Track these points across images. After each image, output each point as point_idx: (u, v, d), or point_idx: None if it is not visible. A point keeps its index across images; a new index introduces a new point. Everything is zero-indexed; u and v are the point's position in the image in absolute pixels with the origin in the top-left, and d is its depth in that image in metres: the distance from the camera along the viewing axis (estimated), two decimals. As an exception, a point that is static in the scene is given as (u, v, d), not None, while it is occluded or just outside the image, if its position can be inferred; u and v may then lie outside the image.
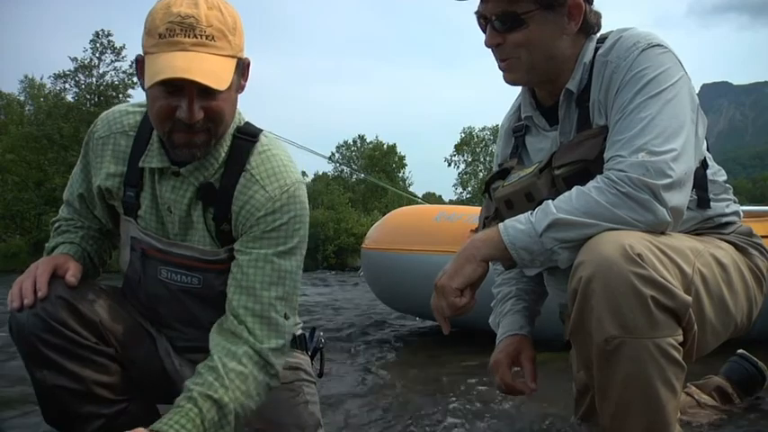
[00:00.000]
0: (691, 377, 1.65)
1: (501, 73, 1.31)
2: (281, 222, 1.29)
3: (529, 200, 1.20)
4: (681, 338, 1.05)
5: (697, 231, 1.26)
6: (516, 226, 1.12)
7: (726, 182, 1.33)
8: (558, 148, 1.24)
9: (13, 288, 1.26)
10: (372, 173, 36.78)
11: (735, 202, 1.34)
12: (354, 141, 44.78)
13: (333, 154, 43.05)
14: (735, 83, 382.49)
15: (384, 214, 4.30)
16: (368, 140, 44.46)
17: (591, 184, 1.11)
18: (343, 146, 44.82)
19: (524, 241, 1.10)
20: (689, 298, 1.05)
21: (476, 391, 2.22)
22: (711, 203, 1.27)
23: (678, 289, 1.04)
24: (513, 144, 1.43)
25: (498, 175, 1.36)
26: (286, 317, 1.30)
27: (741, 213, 1.35)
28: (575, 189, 1.12)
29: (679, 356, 1.05)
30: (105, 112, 1.44)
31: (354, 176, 40.75)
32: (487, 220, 1.30)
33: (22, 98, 30.46)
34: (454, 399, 2.09)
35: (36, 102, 29.15)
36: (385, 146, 43.44)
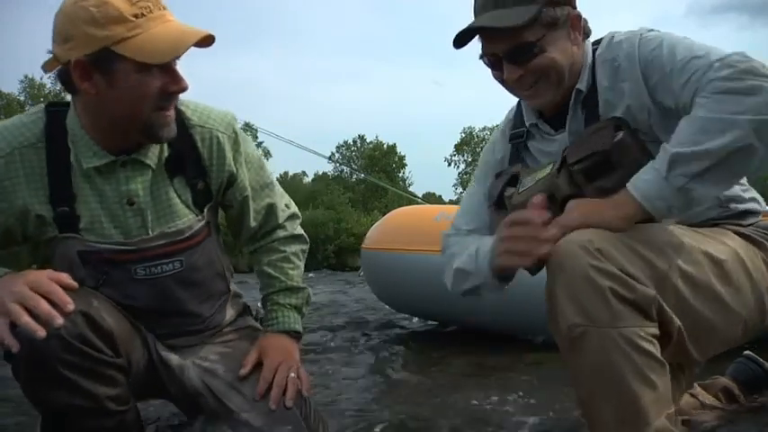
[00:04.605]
0: (698, 378, 1.64)
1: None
2: (246, 151, 1.47)
3: (551, 200, 1.17)
4: (653, 331, 1.04)
5: (716, 221, 1.24)
6: (642, 177, 1.07)
7: None
8: (568, 146, 1.22)
9: (17, 315, 1.06)
10: (372, 173, 36.81)
11: (751, 189, 1.31)
12: (354, 141, 44.83)
13: (333, 154, 43.12)
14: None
15: (384, 214, 4.28)
16: (368, 140, 44.51)
17: (694, 106, 1.07)
18: (343, 146, 44.87)
19: (655, 189, 1.05)
20: (651, 291, 1.04)
21: (475, 392, 2.20)
22: None
23: (639, 282, 1.03)
24: (512, 151, 1.41)
25: (508, 183, 1.32)
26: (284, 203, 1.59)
27: (762, 203, 1.31)
28: (683, 119, 1.08)
29: (651, 347, 1.03)
30: None
31: (354, 176, 40.79)
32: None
33: (22, 98, 30.44)
34: (454, 400, 2.08)
35: (36, 102, 29.16)
36: (385, 146, 43.47)
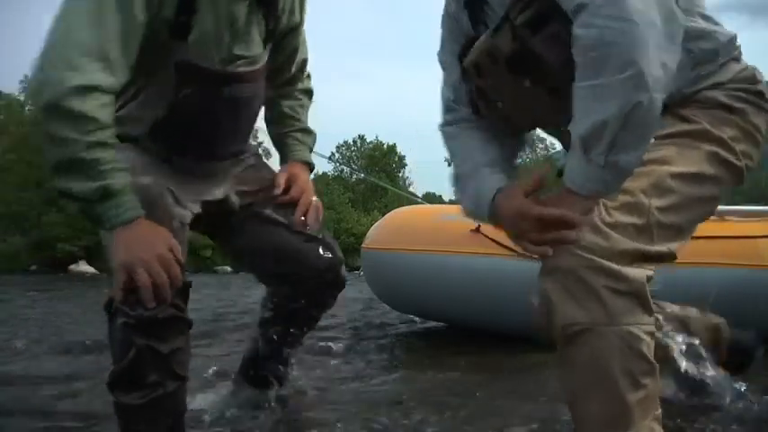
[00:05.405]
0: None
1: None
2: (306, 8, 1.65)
3: (493, 61, 1.10)
4: (649, 328, 1.04)
5: (696, 85, 1.17)
6: (569, 165, 1.03)
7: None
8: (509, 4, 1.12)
9: (146, 286, 1.24)
10: (372, 173, 36.79)
11: (701, 15, 1.19)
12: (354, 141, 44.83)
13: (333, 154, 43.09)
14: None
15: (384, 214, 4.28)
16: (368, 140, 44.52)
17: (576, 70, 0.99)
18: (343, 146, 44.86)
19: (582, 174, 1.01)
20: (641, 275, 1.03)
21: (476, 392, 2.21)
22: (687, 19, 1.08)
23: (627, 268, 1.02)
24: (469, 15, 1.30)
25: (469, 47, 1.24)
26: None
27: (722, 28, 1.20)
28: (574, 90, 1.00)
29: (645, 349, 1.03)
30: None
31: (354, 176, 40.79)
32: (471, 93, 1.23)
33: (22, 98, 30.41)
34: (455, 399, 2.08)
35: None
36: (385, 146, 43.48)
